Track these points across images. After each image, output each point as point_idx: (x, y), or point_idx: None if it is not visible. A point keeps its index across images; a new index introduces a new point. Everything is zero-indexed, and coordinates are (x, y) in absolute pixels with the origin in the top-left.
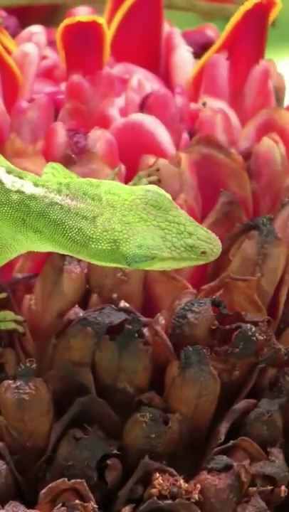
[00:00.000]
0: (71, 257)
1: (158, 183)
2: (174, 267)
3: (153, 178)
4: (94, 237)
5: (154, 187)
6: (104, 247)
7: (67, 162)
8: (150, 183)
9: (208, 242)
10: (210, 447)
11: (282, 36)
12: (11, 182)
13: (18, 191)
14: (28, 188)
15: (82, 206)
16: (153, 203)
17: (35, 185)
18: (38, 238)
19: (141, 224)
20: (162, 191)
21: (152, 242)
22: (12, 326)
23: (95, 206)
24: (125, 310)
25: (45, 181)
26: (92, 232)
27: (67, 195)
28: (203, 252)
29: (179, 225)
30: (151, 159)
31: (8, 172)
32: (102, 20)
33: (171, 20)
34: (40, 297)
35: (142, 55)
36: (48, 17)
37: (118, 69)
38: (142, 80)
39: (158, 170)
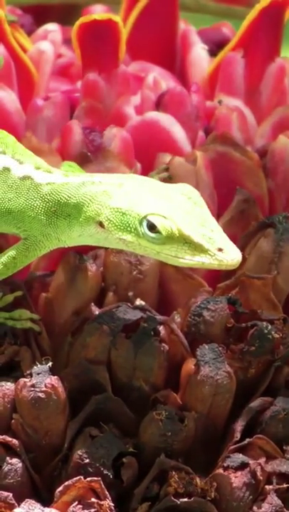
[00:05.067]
0: (89, 251)
1: (169, 180)
2: (187, 259)
3: (164, 175)
4: (115, 196)
5: (188, 185)
6: (121, 205)
7: (83, 160)
8: (160, 179)
9: (228, 245)
10: (226, 445)
11: None
12: (41, 177)
13: (49, 183)
14: (58, 178)
15: (110, 180)
16: (182, 191)
17: (65, 176)
18: (68, 224)
19: (165, 198)
20: (197, 191)
21: (171, 209)
22: (28, 324)
23: (123, 178)
24: (141, 308)
25: (72, 172)
26: (114, 192)
27: (97, 176)
28: (220, 249)
29: (203, 219)
30: (167, 157)
31: (37, 168)
32: (117, 18)
33: (186, 18)
34: (56, 295)
35: (158, 53)
36: (64, 15)
37: (134, 67)
38: (158, 78)
39: (168, 169)
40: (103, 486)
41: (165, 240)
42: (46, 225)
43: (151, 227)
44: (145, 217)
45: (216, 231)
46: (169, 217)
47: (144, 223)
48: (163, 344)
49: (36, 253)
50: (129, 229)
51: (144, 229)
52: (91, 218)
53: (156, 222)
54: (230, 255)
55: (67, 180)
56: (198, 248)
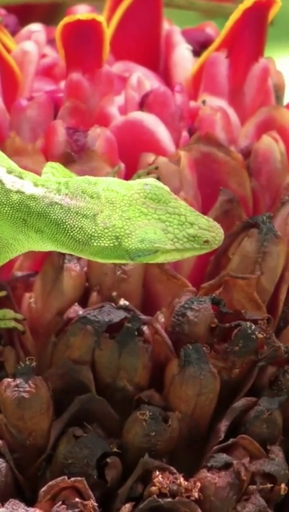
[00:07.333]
0: (71, 255)
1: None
2: (178, 258)
3: (152, 176)
4: (95, 235)
5: (151, 180)
6: (106, 244)
7: (67, 160)
8: None
9: (210, 230)
10: (210, 445)
11: (281, 34)
12: (11, 182)
13: (18, 191)
14: (28, 188)
15: (82, 205)
16: (152, 196)
17: (35, 185)
18: (40, 238)
19: (141, 218)
20: (160, 183)
21: (154, 235)
22: (12, 324)
23: (95, 204)
24: (125, 308)
25: (44, 181)
26: (93, 230)
27: (66, 195)
28: (206, 241)
29: (179, 216)
30: (150, 157)
31: (9, 172)
32: (101, 18)
33: (170, 18)
34: (39, 295)
35: (142, 53)
36: (48, 15)
37: (118, 67)
38: (142, 78)
39: (157, 168)
40: (87, 486)
41: (154, 258)
42: (17, 231)
43: (139, 256)
44: (134, 254)
45: (194, 223)
46: (155, 241)
47: (134, 256)
48: (147, 344)
49: (8, 255)
50: (119, 259)
51: (135, 258)
52: (72, 250)
53: (145, 253)
54: (215, 241)
55: (34, 192)
56: (186, 250)
